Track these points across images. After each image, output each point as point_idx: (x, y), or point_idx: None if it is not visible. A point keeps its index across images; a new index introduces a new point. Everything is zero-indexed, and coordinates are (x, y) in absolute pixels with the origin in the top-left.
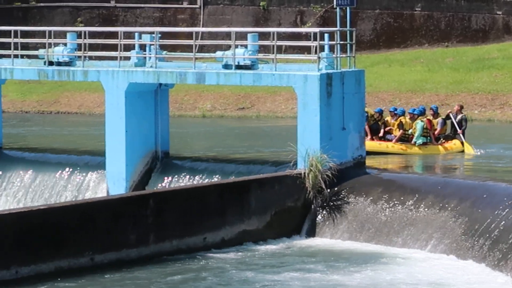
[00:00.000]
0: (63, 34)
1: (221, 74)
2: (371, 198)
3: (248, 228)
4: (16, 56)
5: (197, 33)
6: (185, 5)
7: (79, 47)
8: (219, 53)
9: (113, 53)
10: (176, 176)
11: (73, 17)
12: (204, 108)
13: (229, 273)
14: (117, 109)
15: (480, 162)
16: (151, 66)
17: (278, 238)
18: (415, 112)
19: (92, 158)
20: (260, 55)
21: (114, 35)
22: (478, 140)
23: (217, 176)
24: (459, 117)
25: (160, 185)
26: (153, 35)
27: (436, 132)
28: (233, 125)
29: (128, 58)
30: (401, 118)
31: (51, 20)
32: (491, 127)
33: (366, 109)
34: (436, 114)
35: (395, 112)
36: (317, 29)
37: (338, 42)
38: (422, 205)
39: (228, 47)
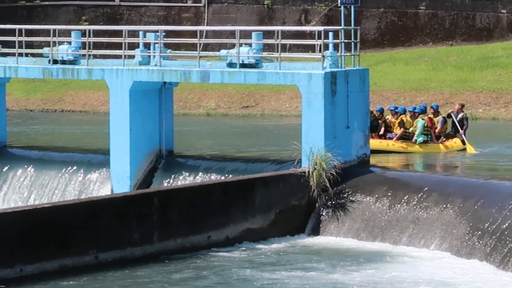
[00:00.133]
0: (67, 33)
1: (226, 72)
2: (376, 196)
3: (252, 226)
4: (20, 54)
5: (201, 31)
6: (189, 3)
7: (83, 45)
8: (223, 52)
9: (117, 52)
10: (180, 174)
11: (78, 15)
12: (208, 106)
13: (233, 272)
14: (122, 107)
15: (483, 160)
16: (155, 65)
17: (282, 237)
18: (416, 111)
19: (96, 157)
20: (265, 54)
21: (118, 33)
22: (482, 138)
23: (221, 174)
24: (460, 115)
25: (164, 183)
26: (158, 33)
27: (436, 131)
28: (238, 124)
29: (132, 57)
30: (402, 116)
31: (56, 18)
32: (495, 125)
33: None
34: (436, 113)
35: (396, 110)
36: (321, 28)
37: (342, 40)
38: (426, 204)
39: (232, 46)
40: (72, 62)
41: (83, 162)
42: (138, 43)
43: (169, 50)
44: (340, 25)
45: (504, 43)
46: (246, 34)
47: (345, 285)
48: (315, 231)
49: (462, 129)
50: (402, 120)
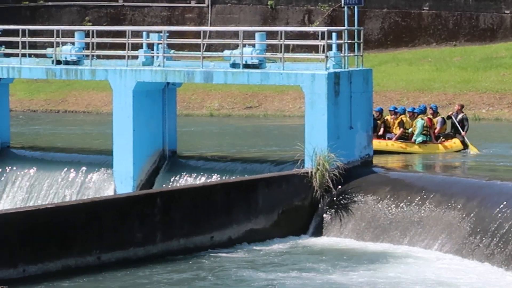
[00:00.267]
0: (71, 33)
1: (229, 73)
2: (378, 197)
3: (255, 227)
4: (24, 55)
5: (204, 32)
6: (193, 4)
7: (87, 46)
8: (226, 52)
9: (121, 52)
10: (183, 175)
11: (81, 16)
12: (211, 107)
13: (234, 272)
14: (125, 108)
15: (485, 161)
16: (158, 65)
17: (285, 237)
18: (415, 111)
19: (99, 157)
20: (268, 54)
21: (121, 34)
22: (485, 139)
23: (224, 175)
24: (460, 116)
25: (167, 183)
26: (161, 34)
27: (436, 131)
28: (241, 124)
29: (136, 57)
30: (402, 116)
31: (59, 19)
32: (498, 126)
33: None
34: (435, 113)
35: (396, 110)
36: (324, 28)
37: (346, 41)
38: (429, 204)
39: (235, 46)
40: (76, 62)
41: (86, 163)
42: (142, 44)
43: (172, 51)
44: (344, 26)
45: (507, 44)
46: (250, 35)
47: (346, 286)
48: (318, 232)
49: (463, 130)
50: (401, 120)
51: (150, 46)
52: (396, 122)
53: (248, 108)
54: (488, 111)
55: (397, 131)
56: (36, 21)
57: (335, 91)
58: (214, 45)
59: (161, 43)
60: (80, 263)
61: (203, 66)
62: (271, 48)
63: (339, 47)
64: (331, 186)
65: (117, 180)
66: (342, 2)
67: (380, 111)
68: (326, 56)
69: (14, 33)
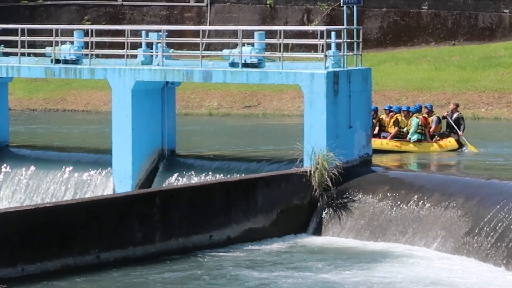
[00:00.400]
0: (70, 32)
1: (228, 72)
2: (377, 196)
3: (254, 226)
4: (23, 54)
5: (203, 31)
6: (192, 3)
7: (86, 45)
8: (226, 51)
9: (120, 51)
10: (182, 174)
11: (80, 15)
12: (210, 106)
13: (231, 271)
14: (124, 107)
15: (484, 159)
16: (158, 64)
17: (284, 236)
18: (410, 110)
19: (98, 156)
20: (267, 53)
21: (121, 33)
22: (484, 138)
23: (223, 174)
24: (455, 115)
25: (166, 183)
26: (160, 33)
27: (431, 130)
28: (240, 123)
29: (135, 56)
30: (397, 115)
31: (58, 18)
32: (497, 125)
33: None
34: (431, 112)
35: (391, 109)
36: (323, 27)
37: (345, 40)
38: (428, 203)
39: (235, 46)
40: (75, 61)
41: (85, 162)
42: (141, 43)
43: (171, 50)
44: (343, 25)
45: (506, 43)
46: (249, 34)
47: (345, 285)
48: (317, 231)
49: (459, 129)
50: (396, 119)
51: (149, 45)
52: (391, 121)
53: (247, 107)
54: (487, 110)
55: (392, 130)
56: (35, 20)
57: (334, 90)
58: (213, 44)
59: (160, 42)
60: (79, 262)
61: (202, 65)
62: (270, 47)
63: (338, 46)
64: (330, 185)
65: (116, 179)
66: (341, 1)
67: (375, 110)
68: (325, 55)
69: (13, 32)
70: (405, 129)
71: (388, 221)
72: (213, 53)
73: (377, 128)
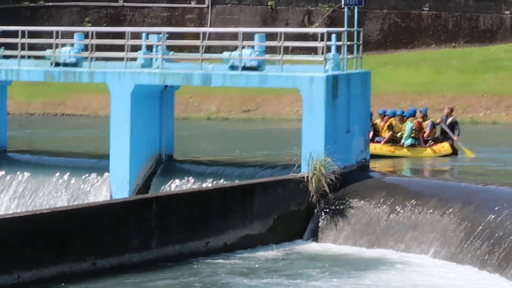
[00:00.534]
0: (70, 34)
1: (228, 75)
2: (375, 202)
3: (251, 232)
4: (23, 56)
5: (204, 33)
6: (193, 4)
7: (85, 47)
8: (225, 54)
9: (119, 54)
10: (179, 179)
11: (81, 16)
12: (209, 110)
13: (223, 279)
14: (123, 111)
15: (481, 165)
16: (157, 67)
17: (281, 242)
18: (405, 114)
19: (96, 161)
20: (267, 56)
21: (121, 35)
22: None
23: (220, 179)
24: (449, 119)
25: (163, 188)
26: (160, 35)
27: (425, 135)
28: (238, 128)
29: (135, 59)
30: (391, 119)
31: (59, 19)
32: (495, 129)
33: None
34: (425, 117)
35: (385, 114)
36: (324, 29)
37: (345, 42)
38: (425, 209)
39: (235, 48)
40: (74, 64)
41: (82, 167)
42: (141, 45)
43: (171, 52)
44: (344, 27)
45: (507, 45)
46: (250, 36)
47: None
48: (314, 237)
49: (454, 134)
50: (390, 123)
51: (149, 48)
52: (385, 125)
53: (245, 112)
54: (486, 115)
55: (386, 134)
56: (36, 21)
57: (333, 94)
58: (214, 47)
59: (160, 45)
60: (75, 269)
61: (202, 68)
62: (270, 49)
63: (338, 49)
64: (327, 191)
65: (114, 185)
66: (342, 2)
67: (370, 115)
68: (325, 59)
69: (13, 34)
70: (399, 134)
71: (385, 228)
72: (213, 55)
73: (371, 133)
